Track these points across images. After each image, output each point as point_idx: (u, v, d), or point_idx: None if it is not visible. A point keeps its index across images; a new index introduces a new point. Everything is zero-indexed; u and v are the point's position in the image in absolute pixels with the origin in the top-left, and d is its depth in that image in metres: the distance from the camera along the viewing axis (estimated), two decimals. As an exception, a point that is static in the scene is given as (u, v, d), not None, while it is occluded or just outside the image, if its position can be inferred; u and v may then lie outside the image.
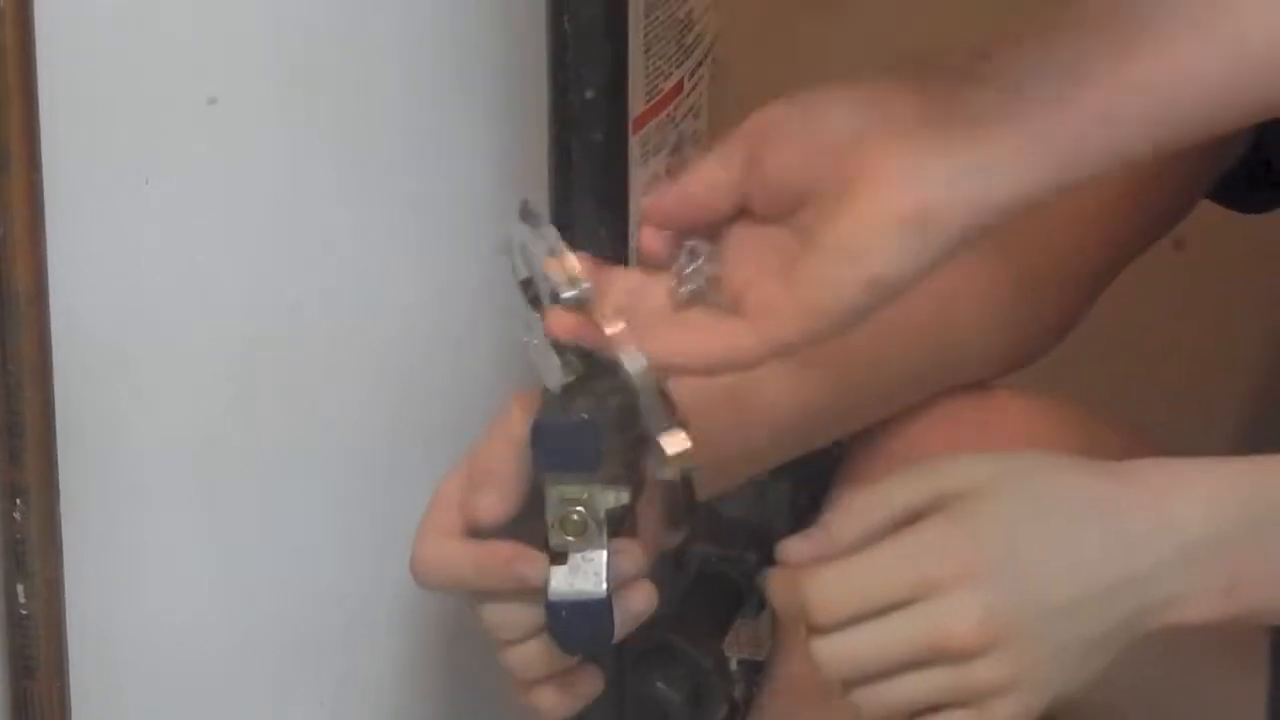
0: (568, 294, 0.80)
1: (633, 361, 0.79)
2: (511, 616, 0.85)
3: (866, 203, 0.71)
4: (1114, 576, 0.79)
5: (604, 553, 0.82)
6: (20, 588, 0.99)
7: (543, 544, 0.82)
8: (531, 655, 0.85)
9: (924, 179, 0.71)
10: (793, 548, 0.80)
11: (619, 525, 0.83)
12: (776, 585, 0.83)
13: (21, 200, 0.97)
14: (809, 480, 1.01)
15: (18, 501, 0.99)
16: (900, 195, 0.71)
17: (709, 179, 0.76)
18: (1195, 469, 0.83)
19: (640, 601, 0.84)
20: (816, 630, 0.78)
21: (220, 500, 1.12)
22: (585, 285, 0.79)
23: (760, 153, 0.73)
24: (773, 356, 0.74)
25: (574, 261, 0.81)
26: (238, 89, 1.03)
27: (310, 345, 1.09)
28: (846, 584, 0.78)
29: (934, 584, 0.76)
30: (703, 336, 0.75)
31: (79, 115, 1.03)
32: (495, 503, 0.84)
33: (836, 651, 0.77)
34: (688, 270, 0.78)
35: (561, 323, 0.80)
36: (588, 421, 0.80)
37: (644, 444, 0.84)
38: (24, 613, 0.99)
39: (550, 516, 0.81)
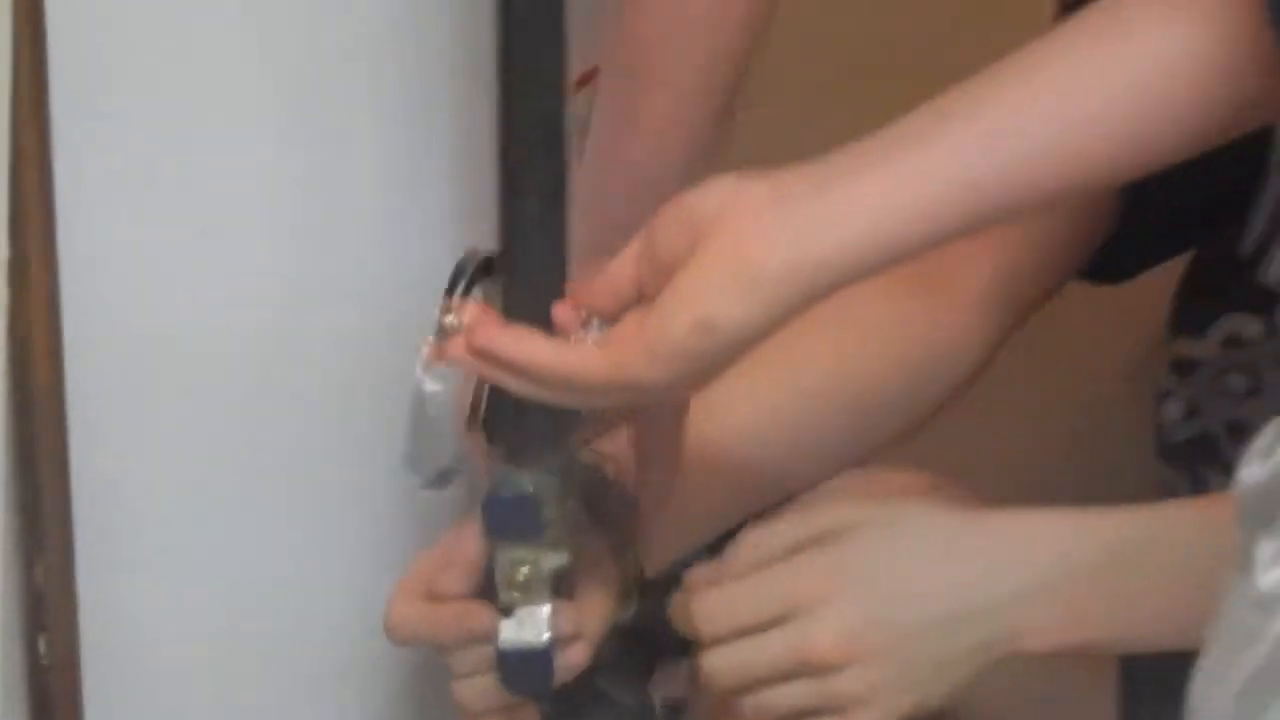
0: (445, 322, 0.86)
1: (434, 379, 0.87)
2: (467, 658, 0.93)
3: (704, 254, 0.76)
4: (961, 607, 0.86)
5: (547, 607, 0.89)
6: (41, 639, 1.03)
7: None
8: (481, 691, 0.92)
9: (759, 234, 0.76)
10: (692, 575, 0.88)
11: (561, 583, 0.90)
12: (676, 607, 0.90)
13: (41, 302, 1.02)
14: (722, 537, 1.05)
15: (37, 560, 1.03)
16: (732, 246, 0.76)
17: (625, 271, 0.82)
18: (1042, 518, 0.91)
19: (577, 654, 0.91)
20: (703, 644, 0.86)
21: (227, 533, 1.14)
22: (449, 319, 0.85)
23: (654, 240, 0.80)
24: (619, 388, 0.80)
25: (454, 303, 0.87)
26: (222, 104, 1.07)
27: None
28: (728, 604, 0.87)
29: (802, 605, 0.84)
30: (556, 348, 0.81)
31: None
32: (455, 579, 0.92)
33: (719, 664, 0.86)
34: (583, 334, 0.85)
35: (438, 350, 0.86)
36: (530, 495, 0.87)
37: (588, 512, 0.93)
38: (45, 664, 1.03)
39: (499, 576, 0.89)
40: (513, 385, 0.82)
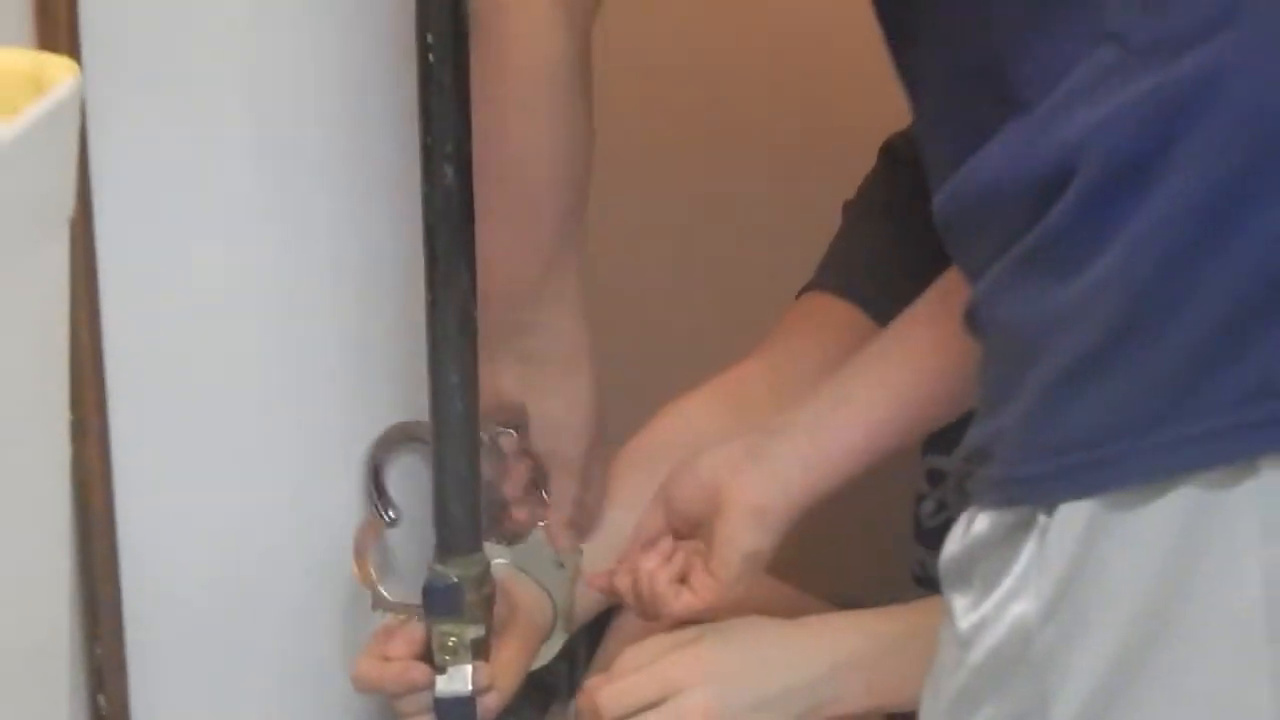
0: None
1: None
2: (411, 703, 1.13)
3: (729, 511, 1.06)
4: (790, 683, 1.08)
5: (469, 667, 1.09)
6: (100, 698, 1.16)
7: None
8: None
9: (758, 491, 1.07)
10: (592, 680, 1.11)
11: (479, 647, 1.10)
12: (583, 696, 1.11)
13: (96, 462, 1.13)
14: (592, 625, 1.26)
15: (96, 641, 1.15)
16: (744, 502, 1.06)
17: (652, 526, 1.11)
18: (840, 619, 1.16)
19: (492, 700, 1.12)
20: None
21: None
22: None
23: (674, 503, 1.10)
24: (706, 610, 1.09)
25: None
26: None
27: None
28: (624, 691, 1.08)
29: (675, 689, 1.06)
30: (682, 602, 1.08)
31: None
32: (400, 646, 1.13)
33: None
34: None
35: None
36: (454, 584, 1.08)
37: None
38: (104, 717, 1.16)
39: (434, 643, 1.09)
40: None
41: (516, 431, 1.20)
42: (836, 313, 1.24)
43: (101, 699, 1.15)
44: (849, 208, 1.31)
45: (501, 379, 1.17)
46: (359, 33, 1.19)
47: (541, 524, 1.19)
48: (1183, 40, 0.78)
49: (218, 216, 1.19)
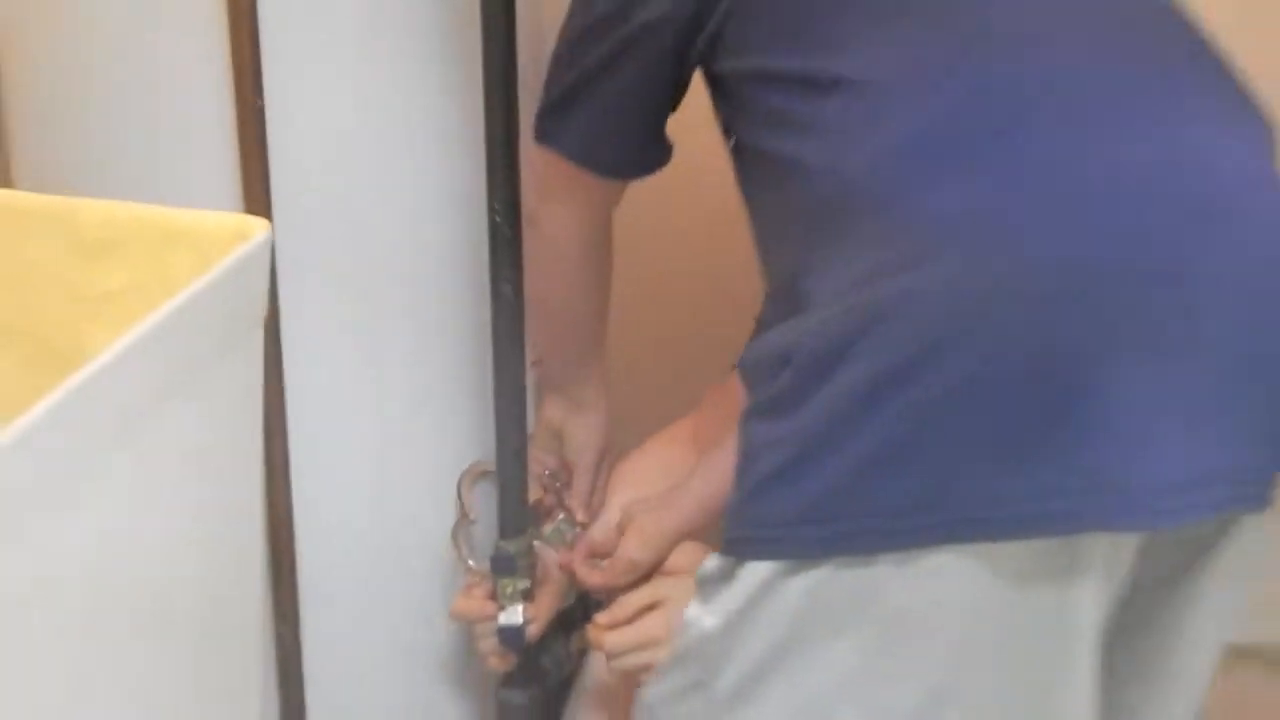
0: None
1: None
2: (484, 630, 1.21)
3: (632, 530, 1.13)
4: None
5: (520, 606, 1.19)
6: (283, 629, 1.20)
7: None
8: (490, 645, 1.21)
9: (653, 527, 1.12)
10: (596, 620, 1.13)
11: (527, 593, 1.19)
12: (591, 631, 1.14)
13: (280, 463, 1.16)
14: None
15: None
16: (639, 529, 1.12)
17: (609, 532, 1.16)
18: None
19: (534, 629, 1.19)
20: (606, 653, 1.11)
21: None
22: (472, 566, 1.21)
23: (618, 523, 1.14)
24: (603, 586, 1.14)
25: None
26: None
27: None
28: (617, 638, 1.11)
29: (651, 643, 1.06)
30: (600, 575, 1.14)
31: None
32: (479, 593, 1.21)
33: (612, 663, 1.10)
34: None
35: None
36: (511, 555, 1.18)
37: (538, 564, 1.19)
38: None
39: (498, 592, 1.19)
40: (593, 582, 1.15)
41: (556, 448, 1.26)
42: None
43: (284, 629, 1.22)
44: None
45: (550, 413, 1.24)
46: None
47: (562, 516, 1.24)
48: (862, 283, 0.83)
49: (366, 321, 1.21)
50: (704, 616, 0.90)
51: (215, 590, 0.90)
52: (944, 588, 0.83)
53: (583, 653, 1.27)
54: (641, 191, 1.11)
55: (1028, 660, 0.86)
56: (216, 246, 0.83)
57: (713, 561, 0.91)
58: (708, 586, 0.91)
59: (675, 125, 1.04)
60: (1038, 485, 0.80)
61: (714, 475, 1.00)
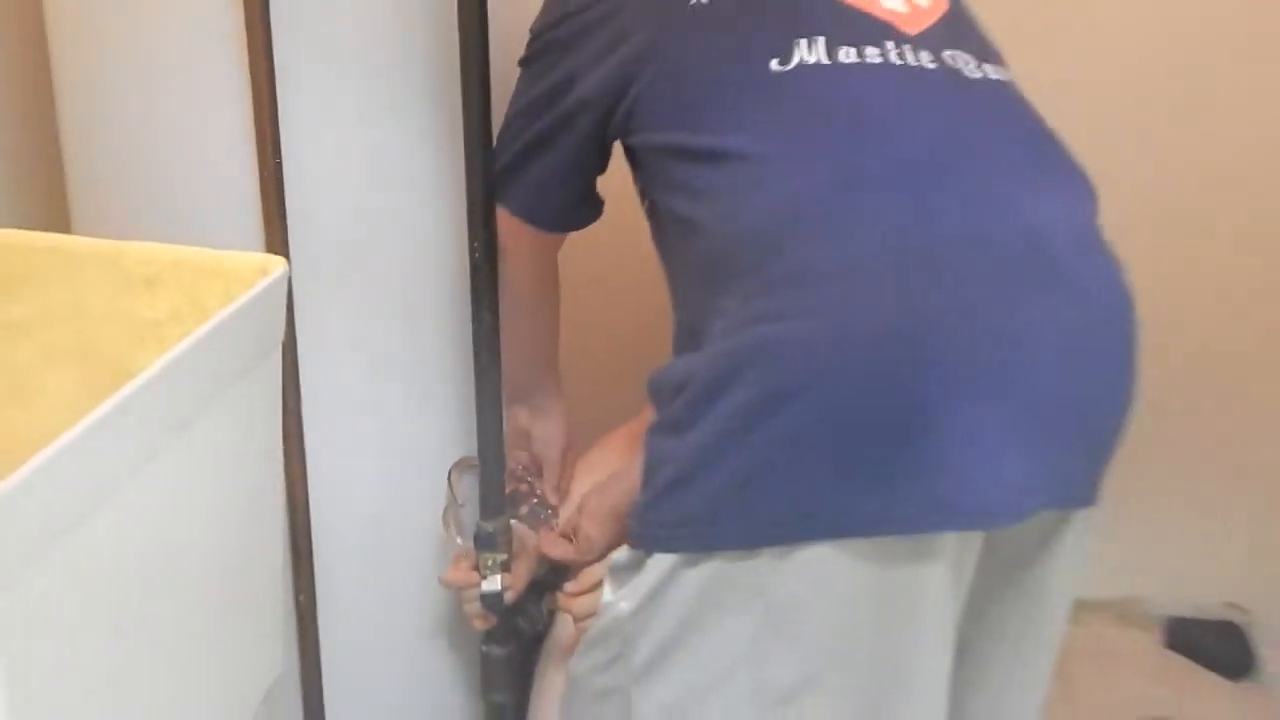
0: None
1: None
2: (469, 595, 1.21)
3: (584, 518, 1.10)
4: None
5: (499, 576, 1.18)
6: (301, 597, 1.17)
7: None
8: (474, 609, 1.21)
9: (591, 509, 1.10)
10: (567, 587, 1.12)
11: (505, 566, 1.19)
12: (561, 598, 1.13)
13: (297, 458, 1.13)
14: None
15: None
16: (588, 516, 1.09)
17: (566, 518, 1.12)
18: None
19: (511, 595, 1.19)
20: (573, 616, 1.11)
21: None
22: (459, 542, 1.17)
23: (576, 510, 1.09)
24: (573, 557, 1.11)
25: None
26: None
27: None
28: (583, 602, 1.09)
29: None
30: (564, 549, 1.13)
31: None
32: (465, 565, 1.20)
33: (577, 624, 1.09)
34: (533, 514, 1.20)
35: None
36: (491, 533, 1.17)
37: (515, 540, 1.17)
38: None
39: (480, 563, 1.19)
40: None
41: (526, 446, 1.27)
42: None
43: (301, 598, 1.21)
44: None
45: (519, 418, 1.26)
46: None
47: (536, 500, 1.25)
48: (743, 328, 0.84)
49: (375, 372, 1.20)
50: (620, 601, 0.90)
51: (244, 563, 0.90)
52: (816, 577, 0.84)
53: (552, 614, 1.27)
54: (592, 247, 1.15)
55: (887, 632, 0.87)
56: (242, 281, 0.84)
57: (623, 553, 0.91)
58: (620, 573, 0.91)
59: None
60: (892, 495, 0.81)
61: (628, 480, 0.99)
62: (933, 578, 0.85)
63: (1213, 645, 1.65)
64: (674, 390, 0.87)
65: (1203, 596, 1.71)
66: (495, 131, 1.07)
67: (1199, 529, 1.69)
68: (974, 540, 0.88)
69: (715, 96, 0.89)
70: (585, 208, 1.07)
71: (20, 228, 0.99)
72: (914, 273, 0.81)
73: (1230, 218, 1.63)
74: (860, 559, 0.83)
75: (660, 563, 0.87)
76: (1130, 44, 1.58)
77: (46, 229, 1.01)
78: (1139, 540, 1.55)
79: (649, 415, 1.06)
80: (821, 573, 0.84)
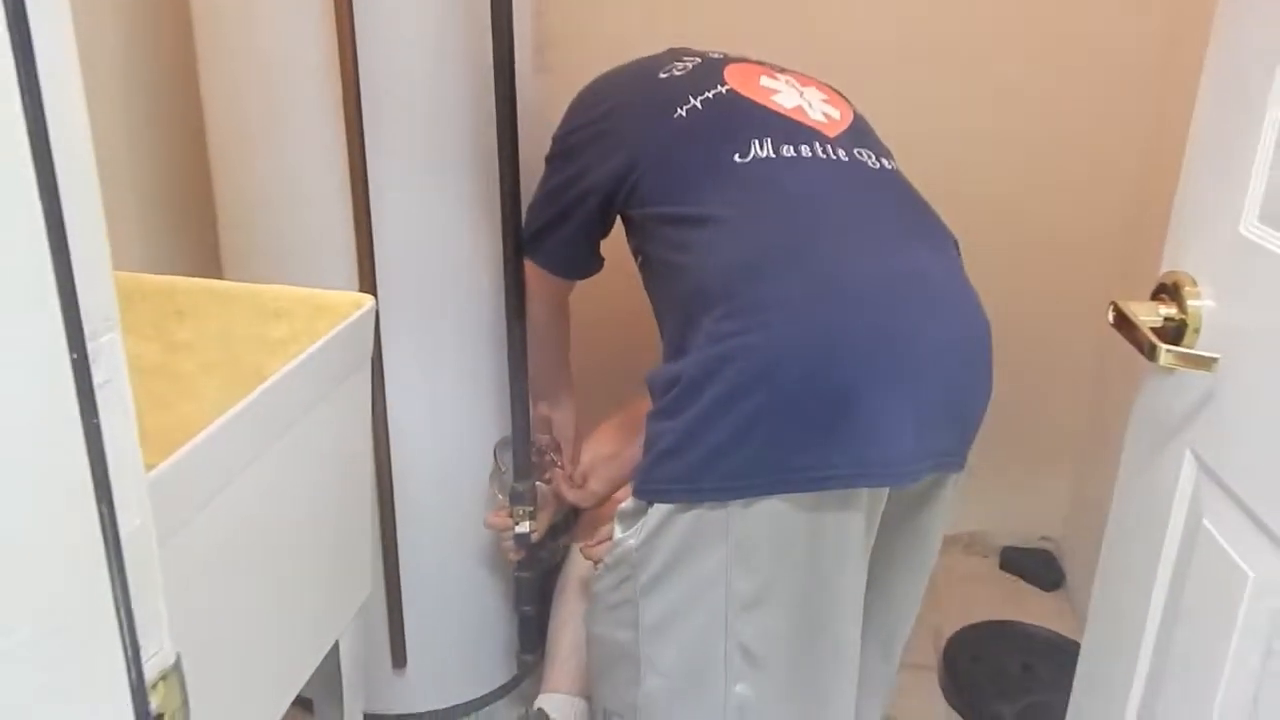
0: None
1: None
2: (505, 536, 1.20)
3: (590, 476, 1.09)
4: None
5: (528, 522, 1.17)
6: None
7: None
8: (508, 545, 1.20)
9: (601, 471, 1.09)
10: (585, 546, 1.07)
11: (532, 512, 1.17)
12: (582, 550, 1.08)
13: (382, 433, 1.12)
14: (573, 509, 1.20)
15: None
16: (594, 478, 1.08)
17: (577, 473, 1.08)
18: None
19: (538, 535, 1.18)
20: (589, 558, 1.05)
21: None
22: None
23: (584, 466, 1.06)
24: (579, 500, 1.08)
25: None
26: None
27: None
28: (594, 550, 1.04)
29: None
30: (569, 493, 1.08)
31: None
32: (503, 513, 1.18)
33: (595, 561, 1.00)
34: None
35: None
36: (522, 491, 1.15)
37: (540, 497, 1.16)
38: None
39: (513, 513, 1.17)
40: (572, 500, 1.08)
41: (548, 430, 1.24)
42: None
43: (386, 540, 1.19)
44: None
45: (542, 409, 1.22)
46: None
47: (558, 467, 1.21)
48: (717, 341, 0.82)
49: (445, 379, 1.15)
50: (628, 538, 0.87)
51: (344, 515, 0.90)
52: (770, 520, 0.83)
53: (566, 548, 1.24)
54: (595, 289, 1.11)
55: (820, 560, 0.86)
56: (342, 312, 0.85)
57: (630, 503, 0.89)
58: (628, 518, 0.89)
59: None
60: (823, 461, 0.80)
61: (636, 449, 0.95)
62: (853, 521, 0.84)
63: (1034, 566, 1.63)
64: (667, 386, 0.84)
65: (1026, 530, 1.68)
66: (524, 206, 1.07)
67: (1024, 482, 1.65)
68: (881, 494, 0.87)
69: (694, 179, 0.88)
70: (591, 262, 1.05)
71: (184, 271, 0.99)
72: (834, 302, 0.80)
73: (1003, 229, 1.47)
74: (801, 508, 0.82)
75: (658, 510, 0.85)
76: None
77: (204, 270, 1.02)
78: (981, 490, 1.49)
79: (634, 408, 1.03)
80: (774, 517, 0.82)
